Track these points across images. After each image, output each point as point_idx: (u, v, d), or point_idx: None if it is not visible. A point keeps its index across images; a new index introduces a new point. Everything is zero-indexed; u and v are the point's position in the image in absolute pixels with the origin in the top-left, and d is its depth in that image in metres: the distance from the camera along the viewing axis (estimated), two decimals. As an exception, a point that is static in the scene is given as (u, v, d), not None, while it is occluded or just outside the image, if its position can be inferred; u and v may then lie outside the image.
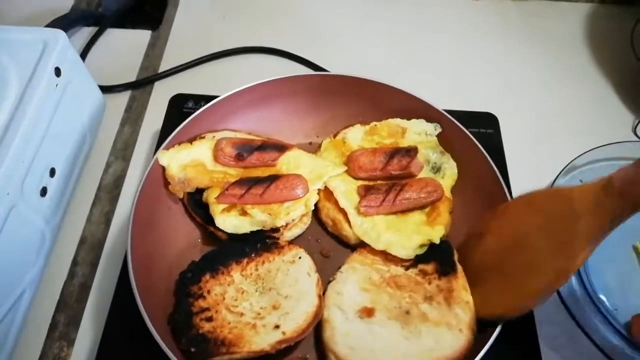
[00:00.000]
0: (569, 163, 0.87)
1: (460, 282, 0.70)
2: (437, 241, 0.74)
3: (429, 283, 0.72)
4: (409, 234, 0.75)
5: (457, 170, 0.81)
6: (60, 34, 0.80)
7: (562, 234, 0.58)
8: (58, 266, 0.83)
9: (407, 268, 0.74)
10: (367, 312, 0.69)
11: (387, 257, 0.75)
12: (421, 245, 0.74)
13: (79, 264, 0.84)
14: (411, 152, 0.80)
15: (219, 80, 1.04)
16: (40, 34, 0.80)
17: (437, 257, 0.74)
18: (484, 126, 0.91)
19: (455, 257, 0.74)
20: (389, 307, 0.70)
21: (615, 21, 1.18)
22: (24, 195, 0.72)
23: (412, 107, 0.82)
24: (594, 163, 0.89)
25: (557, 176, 0.85)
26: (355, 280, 0.72)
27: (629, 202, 0.52)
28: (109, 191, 0.92)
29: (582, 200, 0.57)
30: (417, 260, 0.74)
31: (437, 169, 0.82)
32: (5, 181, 0.67)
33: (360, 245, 0.77)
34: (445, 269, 0.72)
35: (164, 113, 0.95)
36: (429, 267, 0.73)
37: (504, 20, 1.19)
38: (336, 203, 0.78)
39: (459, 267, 0.72)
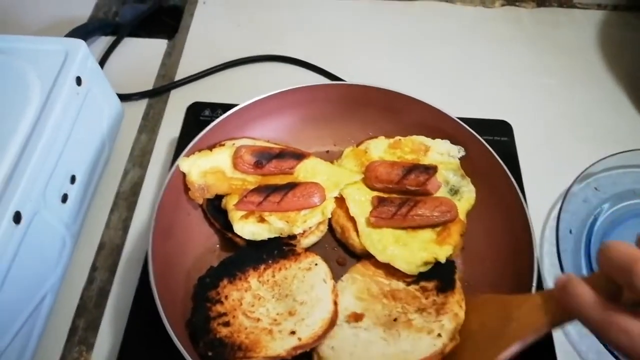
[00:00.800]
0: (585, 170, 0.87)
1: (455, 297, 0.70)
2: (442, 260, 0.74)
3: (426, 298, 0.72)
4: (415, 250, 0.75)
5: (475, 196, 0.81)
6: (81, 44, 0.82)
7: (495, 333, 0.60)
8: (77, 271, 0.85)
9: (408, 284, 0.74)
10: (355, 317, 0.70)
11: (389, 271, 0.75)
12: (426, 263, 0.74)
13: (97, 269, 0.86)
14: (430, 170, 0.80)
15: (235, 89, 1.06)
16: (61, 44, 0.82)
17: (440, 275, 0.73)
18: (498, 134, 0.91)
19: (457, 275, 0.74)
20: (379, 315, 0.71)
21: (629, 28, 1.18)
22: (46, 201, 0.73)
23: (432, 122, 0.82)
24: (609, 170, 0.89)
25: (573, 183, 0.86)
26: (353, 290, 0.73)
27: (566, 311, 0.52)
28: (126, 198, 0.94)
29: (520, 305, 0.59)
30: (420, 276, 0.74)
31: (454, 192, 0.81)
32: (28, 188, 0.69)
33: (366, 257, 0.78)
34: (445, 286, 0.72)
35: (181, 121, 0.96)
36: (430, 284, 0.73)
37: (516, 28, 1.19)
38: (347, 210, 0.78)
39: (458, 284, 0.73)
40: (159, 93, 1.06)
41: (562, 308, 0.51)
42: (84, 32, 1.07)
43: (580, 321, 0.48)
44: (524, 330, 0.55)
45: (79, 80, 0.80)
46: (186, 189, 0.77)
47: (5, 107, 0.74)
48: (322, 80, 1.07)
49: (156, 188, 0.93)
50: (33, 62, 0.79)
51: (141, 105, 1.05)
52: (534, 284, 0.66)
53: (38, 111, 0.74)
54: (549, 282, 0.83)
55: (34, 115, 0.74)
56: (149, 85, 1.08)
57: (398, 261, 0.74)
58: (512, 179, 0.76)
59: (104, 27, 1.14)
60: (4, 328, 0.68)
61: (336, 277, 0.74)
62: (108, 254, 0.87)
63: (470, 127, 0.81)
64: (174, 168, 0.75)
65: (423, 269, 0.74)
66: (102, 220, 0.90)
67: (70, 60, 0.80)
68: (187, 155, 0.77)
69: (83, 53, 0.82)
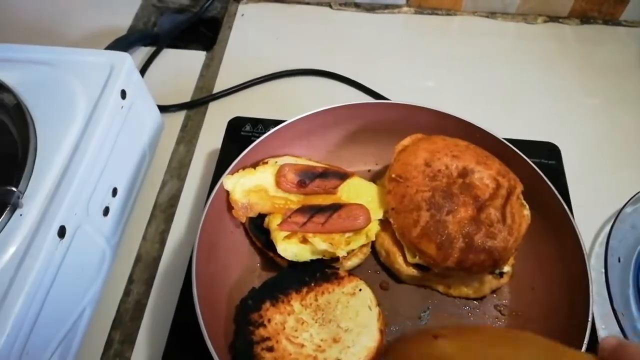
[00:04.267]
0: (635, 195, 0.84)
1: None
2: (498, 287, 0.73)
3: None
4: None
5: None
6: (126, 57, 0.82)
7: None
8: (114, 284, 0.84)
9: None
10: None
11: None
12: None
13: (134, 282, 0.86)
14: None
15: (273, 102, 1.05)
16: (107, 57, 0.82)
17: None
18: (546, 157, 0.89)
19: None
20: None
21: (676, 46, 1.14)
22: (89, 215, 0.73)
23: (477, 143, 0.79)
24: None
25: (622, 208, 0.83)
26: None
27: None
28: (164, 210, 0.93)
29: None
30: None
31: None
32: (73, 202, 0.69)
33: (411, 281, 0.76)
34: None
35: (219, 134, 0.96)
36: None
37: (560, 45, 1.16)
38: (392, 234, 0.76)
39: None
40: (197, 105, 1.06)
41: None
42: (125, 43, 1.07)
43: None
44: None
45: (123, 94, 0.81)
46: (229, 207, 0.76)
47: (52, 120, 0.74)
48: (361, 95, 1.06)
49: (194, 200, 0.93)
50: (80, 74, 0.80)
51: (179, 116, 1.05)
52: (590, 318, 0.64)
53: (84, 124, 0.75)
54: (596, 313, 0.80)
55: (80, 128, 0.74)
56: (187, 97, 1.08)
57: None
58: (565, 205, 0.73)
59: (144, 38, 1.15)
60: (45, 342, 0.67)
61: (380, 301, 0.72)
62: (145, 266, 0.87)
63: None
64: (217, 186, 0.74)
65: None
66: (140, 233, 0.90)
67: (116, 73, 0.80)
68: (231, 173, 0.76)
69: (128, 66, 0.82)
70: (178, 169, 0.98)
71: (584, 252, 0.69)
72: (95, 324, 0.80)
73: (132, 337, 0.80)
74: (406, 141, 0.78)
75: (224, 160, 0.86)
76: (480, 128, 0.81)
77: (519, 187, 0.72)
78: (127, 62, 0.82)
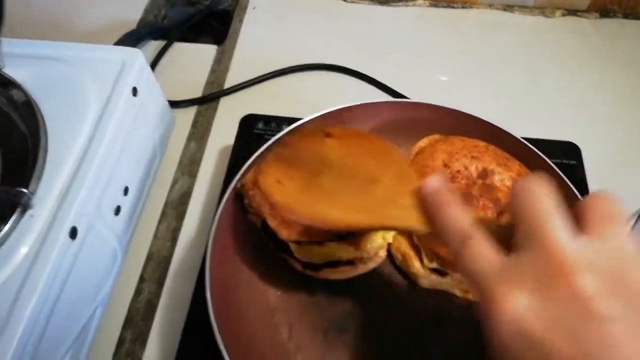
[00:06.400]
0: (656, 198, 0.82)
1: None
2: None
3: None
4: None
5: None
6: (138, 54, 0.81)
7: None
8: (125, 283, 0.84)
9: None
10: None
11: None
12: None
13: (145, 281, 0.85)
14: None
15: (284, 98, 1.03)
16: (119, 53, 0.81)
17: None
18: (566, 157, 0.86)
19: None
20: None
21: (700, 42, 1.11)
22: (101, 215, 0.72)
23: (495, 142, 0.77)
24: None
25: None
26: None
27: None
28: (175, 207, 0.92)
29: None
30: None
31: None
32: (85, 202, 0.68)
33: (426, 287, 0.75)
34: None
35: (231, 130, 0.94)
36: None
37: (578, 39, 1.13)
38: (410, 238, 0.74)
39: None
40: (208, 100, 1.05)
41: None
42: (136, 37, 1.06)
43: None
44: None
45: (135, 91, 0.79)
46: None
47: (63, 118, 0.73)
48: (373, 90, 1.04)
49: (206, 197, 0.92)
50: (91, 71, 0.78)
51: (190, 112, 1.04)
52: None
53: (96, 122, 0.73)
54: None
55: (92, 126, 0.73)
56: (197, 92, 1.06)
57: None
58: (586, 209, 0.71)
59: (154, 32, 1.13)
60: (58, 344, 0.67)
61: (395, 305, 0.71)
62: (156, 265, 0.86)
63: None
64: (229, 190, 0.73)
65: None
66: (151, 231, 0.89)
67: (127, 70, 0.79)
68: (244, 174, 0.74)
69: (140, 63, 0.80)
70: (189, 166, 0.97)
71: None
72: (106, 323, 0.79)
73: (144, 336, 0.79)
74: (423, 142, 0.76)
75: (237, 158, 0.85)
76: (499, 127, 0.79)
77: None
78: (139, 58, 0.81)
